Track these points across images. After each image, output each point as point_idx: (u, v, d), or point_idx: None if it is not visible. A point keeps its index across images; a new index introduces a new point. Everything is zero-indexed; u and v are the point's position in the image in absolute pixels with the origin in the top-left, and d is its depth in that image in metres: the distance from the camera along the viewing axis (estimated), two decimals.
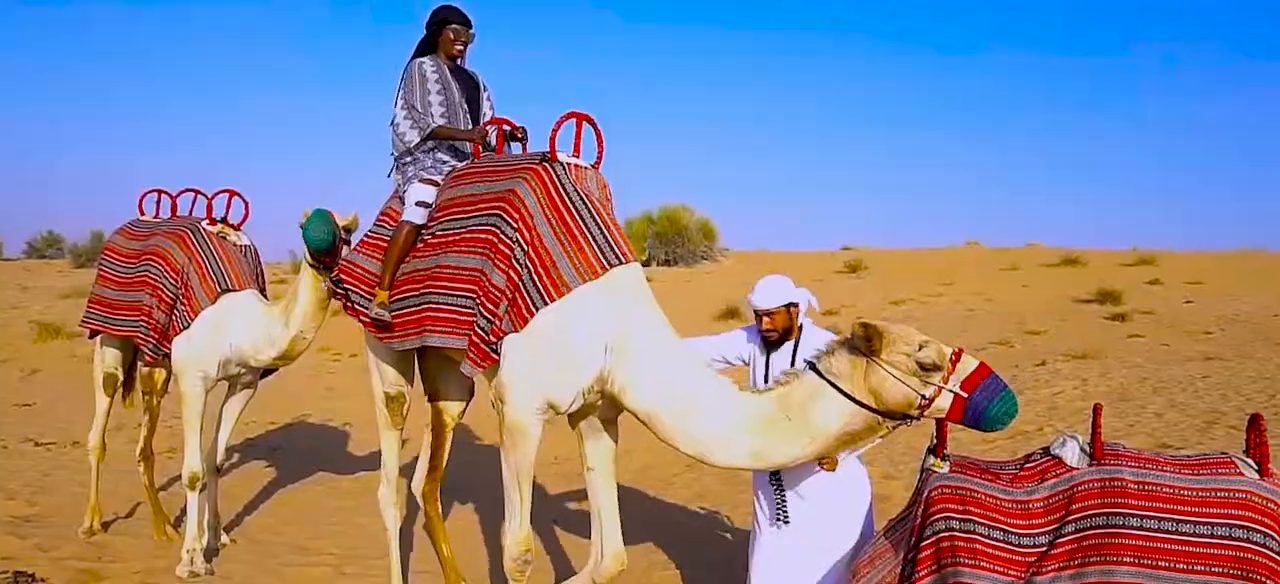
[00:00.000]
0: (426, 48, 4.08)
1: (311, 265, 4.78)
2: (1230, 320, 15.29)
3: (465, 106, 4.05)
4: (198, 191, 5.60)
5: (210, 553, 5.39)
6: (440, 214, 3.69)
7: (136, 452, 5.90)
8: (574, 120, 3.56)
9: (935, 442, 3.19)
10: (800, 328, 3.66)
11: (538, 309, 3.21)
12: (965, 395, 2.85)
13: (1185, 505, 2.87)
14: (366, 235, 4.14)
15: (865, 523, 3.73)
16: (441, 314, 3.53)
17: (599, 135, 3.59)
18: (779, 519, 3.63)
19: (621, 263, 3.26)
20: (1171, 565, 2.81)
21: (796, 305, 3.60)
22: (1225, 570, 2.78)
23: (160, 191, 5.74)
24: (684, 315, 16.64)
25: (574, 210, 3.30)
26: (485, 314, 3.32)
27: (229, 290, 5.12)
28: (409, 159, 3.92)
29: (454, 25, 4.00)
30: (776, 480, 3.63)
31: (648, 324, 3.27)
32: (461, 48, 4.07)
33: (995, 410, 2.85)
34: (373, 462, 4.98)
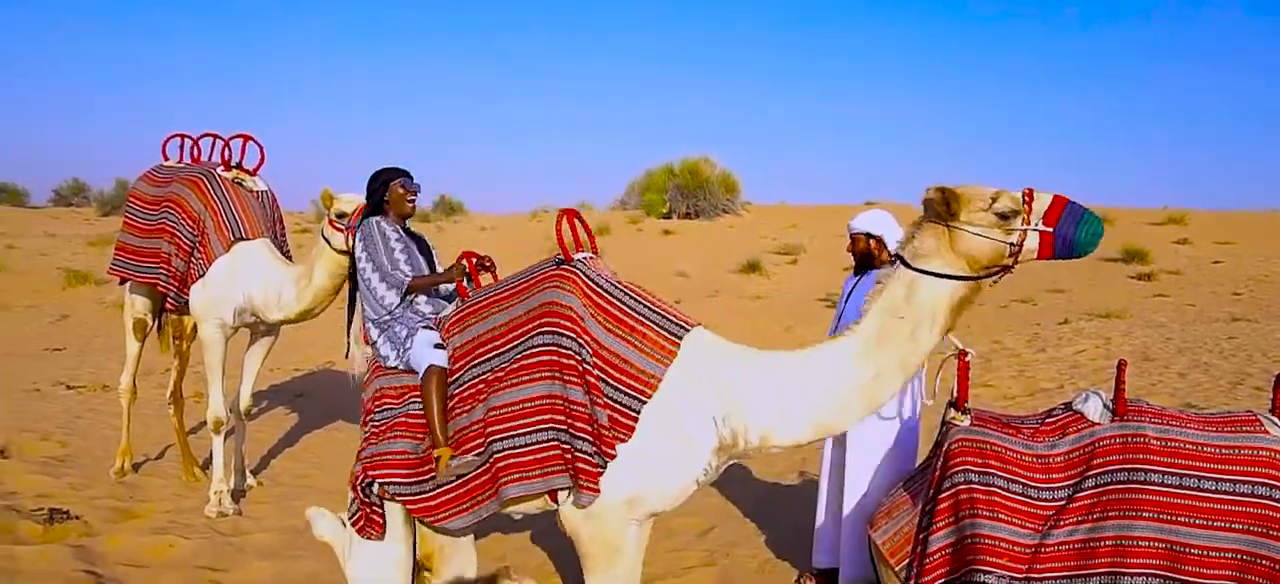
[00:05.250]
0: (373, 210, 3.88)
1: (341, 251, 4.84)
2: (1260, 281, 15.05)
3: (424, 261, 3.86)
4: (216, 136, 5.63)
5: (237, 494, 5.51)
6: (464, 362, 3.38)
7: (166, 394, 6.02)
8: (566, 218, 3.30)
9: (956, 395, 3.19)
10: (892, 260, 3.85)
11: (638, 413, 3.03)
12: (1051, 230, 2.83)
13: (1207, 462, 2.86)
14: (367, 420, 3.64)
15: (910, 448, 3.94)
16: (518, 459, 3.18)
17: (589, 232, 3.37)
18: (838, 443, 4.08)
19: (687, 331, 3.10)
20: (1191, 521, 2.81)
21: (877, 238, 4.06)
22: (1245, 527, 2.78)
23: (182, 136, 5.77)
24: (705, 268, 16.62)
25: (617, 301, 3.11)
26: (586, 436, 3.07)
27: (243, 238, 5.19)
28: (389, 319, 3.68)
29: (403, 178, 3.85)
30: None
31: (745, 366, 3.08)
32: (412, 202, 3.91)
33: (1083, 235, 2.82)
34: None
